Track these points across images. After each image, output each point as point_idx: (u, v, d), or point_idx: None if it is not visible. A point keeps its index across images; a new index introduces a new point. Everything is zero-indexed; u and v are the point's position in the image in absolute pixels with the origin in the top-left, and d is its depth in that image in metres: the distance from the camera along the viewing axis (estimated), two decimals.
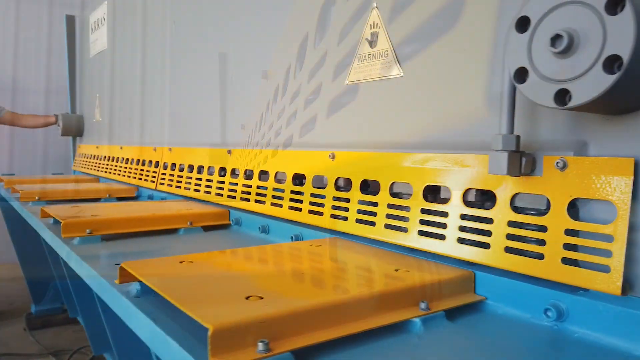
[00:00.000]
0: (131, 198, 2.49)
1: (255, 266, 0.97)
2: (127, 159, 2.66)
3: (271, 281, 0.84)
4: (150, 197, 2.34)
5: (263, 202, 1.44)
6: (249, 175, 1.57)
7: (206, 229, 1.60)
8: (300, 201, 1.28)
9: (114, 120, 2.99)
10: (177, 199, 2.00)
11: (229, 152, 1.67)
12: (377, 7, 1.07)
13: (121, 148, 2.74)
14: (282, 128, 1.41)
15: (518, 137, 0.75)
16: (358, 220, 1.08)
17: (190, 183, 1.90)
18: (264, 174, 1.49)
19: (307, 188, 1.26)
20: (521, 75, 0.69)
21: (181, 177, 1.98)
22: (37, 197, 2.20)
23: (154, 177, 2.24)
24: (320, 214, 1.20)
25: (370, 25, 1.09)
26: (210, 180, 1.76)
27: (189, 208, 1.69)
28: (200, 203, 1.83)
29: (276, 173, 1.42)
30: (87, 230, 1.38)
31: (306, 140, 1.31)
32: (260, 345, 0.59)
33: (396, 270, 0.86)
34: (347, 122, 1.18)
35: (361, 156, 1.12)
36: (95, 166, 3.20)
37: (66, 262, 1.34)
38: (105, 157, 3.03)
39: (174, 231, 1.55)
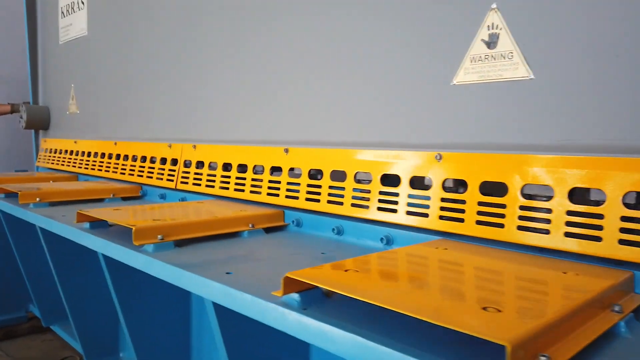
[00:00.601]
0: (136, 198, 2.32)
1: (425, 272, 0.94)
2: (125, 156, 2.47)
3: (476, 290, 0.82)
4: (163, 197, 2.20)
5: (339, 203, 1.40)
6: (313, 174, 1.52)
7: (266, 230, 1.53)
8: (394, 202, 1.26)
9: (100, 114, 2.76)
10: (208, 199, 1.90)
11: (286, 150, 1.60)
12: (497, 9, 1.08)
13: (115, 144, 2.54)
14: (369, 127, 1.37)
15: None
16: (480, 222, 1.09)
17: (228, 182, 1.80)
18: (334, 174, 1.45)
19: (404, 189, 1.24)
20: None
21: (214, 175, 1.87)
22: (37, 199, 1.98)
23: (172, 175, 2.10)
24: (425, 215, 1.19)
25: (489, 26, 1.09)
26: (259, 180, 1.69)
27: (242, 209, 1.61)
28: (240, 203, 1.74)
29: (356, 173, 1.38)
30: (159, 237, 1.27)
31: (404, 140, 1.29)
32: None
33: (564, 273, 0.88)
34: (453, 122, 1.18)
35: (474, 158, 1.12)
36: (71, 162, 2.94)
37: (141, 270, 1.21)
38: (88, 152, 2.79)
39: (236, 234, 1.47)
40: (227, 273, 1.05)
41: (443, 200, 1.16)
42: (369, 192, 1.34)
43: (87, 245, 1.44)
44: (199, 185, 1.92)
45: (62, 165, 3.06)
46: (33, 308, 3.29)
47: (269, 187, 1.64)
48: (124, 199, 2.27)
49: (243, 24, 1.78)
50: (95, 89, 2.79)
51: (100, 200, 2.20)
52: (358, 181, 1.38)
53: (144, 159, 2.32)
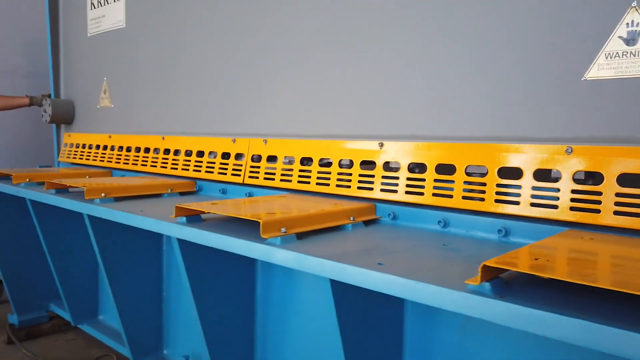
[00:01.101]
0: (192, 193, 2.29)
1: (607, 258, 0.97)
2: (176, 150, 2.43)
3: None
4: (224, 192, 2.17)
5: (447, 196, 1.42)
6: (412, 168, 1.54)
7: (365, 223, 1.54)
8: (515, 194, 1.29)
9: (140, 108, 2.70)
10: (283, 193, 1.89)
11: (380, 145, 1.61)
12: (637, 7, 1.12)
13: (163, 138, 2.49)
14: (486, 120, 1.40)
15: None
16: (617, 212, 1.13)
17: (309, 177, 1.80)
18: (438, 167, 1.47)
19: (529, 181, 1.27)
20: None
21: (291, 170, 1.86)
22: (103, 194, 1.94)
23: (237, 170, 2.07)
24: (553, 207, 1.22)
25: (627, 24, 1.13)
26: (349, 174, 1.69)
27: (336, 203, 1.61)
28: (323, 197, 1.75)
29: (467, 167, 1.41)
30: (282, 229, 1.27)
31: (528, 134, 1.32)
32: None
33: None
34: (583, 116, 1.21)
35: (608, 150, 1.16)
36: (105, 157, 2.87)
37: (267, 263, 1.20)
38: (127, 147, 2.73)
39: (340, 227, 1.47)
40: (379, 264, 1.06)
41: (574, 192, 1.20)
42: (483, 184, 1.36)
43: (209, 244, 1.39)
44: (272, 179, 1.91)
45: (94, 160, 2.98)
46: (54, 307, 3.20)
47: (359, 181, 1.65)
48: (181, 194, 2.24)
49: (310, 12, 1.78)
50: (134, 82, 2.73)
51: (158, 195, 2.16)
52: (468, 174, 1.41)
53: (200, 153, 2.29)
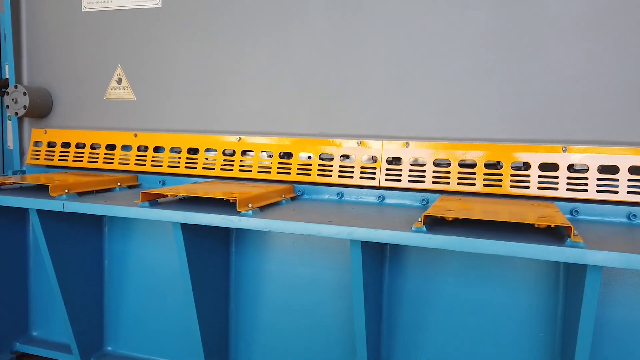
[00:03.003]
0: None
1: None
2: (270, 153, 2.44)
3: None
4: (340, 195, 2.31)
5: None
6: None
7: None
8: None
9: (178, 103, 2.58)
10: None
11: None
12: None
13: (238, 139, 2.49)
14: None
15: None
16: None
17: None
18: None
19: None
20: None
21: (423, 171, 2.20)
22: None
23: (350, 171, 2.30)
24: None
25: None
26: (499, 175, 2.12)
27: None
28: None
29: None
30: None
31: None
32: None
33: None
34: None
35: None
36: (130, 159, 2.65)
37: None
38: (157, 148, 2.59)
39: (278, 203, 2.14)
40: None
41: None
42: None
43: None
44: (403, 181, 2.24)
45: (107, 163, 2.68)
46: (20, 346, 2.78)
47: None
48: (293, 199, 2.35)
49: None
50: (170, 72, 2.58)
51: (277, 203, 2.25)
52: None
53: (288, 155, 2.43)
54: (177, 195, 2.02)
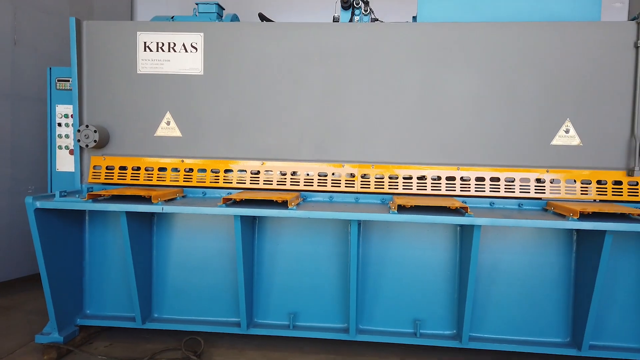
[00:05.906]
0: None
1: None
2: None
3: None
4: (331, 197, 3.80)
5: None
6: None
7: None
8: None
9: (209, 138, 3.79)
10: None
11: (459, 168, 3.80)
12: None
13: (262, 163, 3.77)
14: None
15: None
16: None
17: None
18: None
19: None
20: None
21: (383, 182, 3.76)
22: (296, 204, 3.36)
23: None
24: None
25: None
26: (425, 183, 3.78)
27: (435, 198, 3.72)
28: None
29: None
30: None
31: None
32: None
33: None
34: None
35: None
36: (179, 178, 3.79)
37: None
38: (189, 169, 3.77)
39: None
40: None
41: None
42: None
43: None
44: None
45: (150, 180, 3.77)
46: (80, 320, 3.78)
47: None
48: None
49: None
50: (204, 119, 3.78)
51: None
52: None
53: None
54: (241, 198, 3.28)
